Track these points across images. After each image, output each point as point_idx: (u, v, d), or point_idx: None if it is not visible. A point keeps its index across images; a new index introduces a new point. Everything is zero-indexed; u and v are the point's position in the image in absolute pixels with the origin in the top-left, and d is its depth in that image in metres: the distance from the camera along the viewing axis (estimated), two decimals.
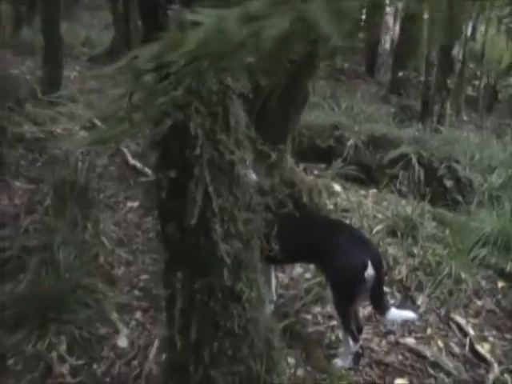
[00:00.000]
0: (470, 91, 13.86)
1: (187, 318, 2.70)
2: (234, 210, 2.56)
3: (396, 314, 4.06)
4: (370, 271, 3.82)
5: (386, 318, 4.06)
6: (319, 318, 4.56)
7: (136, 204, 5.92)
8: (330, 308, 4.47)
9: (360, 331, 4.09)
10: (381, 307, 4.03)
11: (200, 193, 2.40)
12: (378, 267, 3.89)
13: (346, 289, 3.91)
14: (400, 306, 4.55)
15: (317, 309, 4.63)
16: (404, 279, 5.06)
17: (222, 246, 2.51)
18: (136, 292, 4.60)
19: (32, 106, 7.73)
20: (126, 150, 6.82)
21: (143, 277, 4.78)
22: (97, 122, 7.32)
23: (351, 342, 3.96)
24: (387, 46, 15.07)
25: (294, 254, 4.03)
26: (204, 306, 2.67)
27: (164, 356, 3.49)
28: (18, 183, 6.05)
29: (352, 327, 3.96)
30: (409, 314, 4.18)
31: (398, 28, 14.80)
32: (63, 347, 3.84)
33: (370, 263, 3.82)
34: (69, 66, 10.23)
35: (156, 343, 3.94)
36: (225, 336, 2.74)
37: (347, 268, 3.86)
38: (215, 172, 2.48)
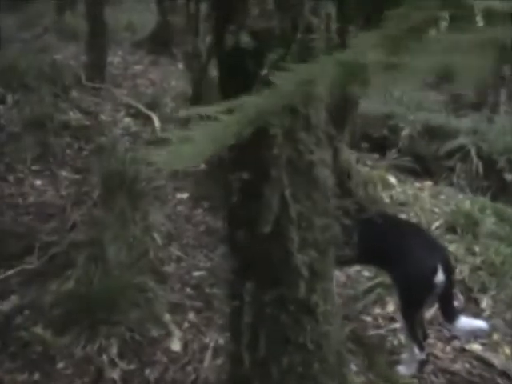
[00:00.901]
0: None
1: (255, 332, 2.48)
2: (311, 215, 2.32)
3: (465, 322, 3.75)
4: (440, 276, 3.55)
5: (454, 326, 3.77)
6: (380, 320, 4.31)
7: (185, 195, 5.72)
8: (390, 310, 4.26)
9: (425, 338, 3.84)
10: (449, 314, 3.75)
11: (276, 197, 2.16)
12: (448, 272, 3.63)
13: (414, 294, 3.64)
14: (465, 311, 4.28)
15: (377, 310, 4.38)
16: (466, 279, 4.77)
17: (298, 256, 2.27)
18: (188, 290, 4.37)
19: (77, 93, 7.60)
20: None
21: (195, 273, 4.56)
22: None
23: (416, 350, 3.70)
24: None
25: (357, 256, 3.77)
26: (274, 320, 2.44)
27: (221, 363, 3.30)
28: (64, 173, 5.90)
29: (418, 334, 3.70)
30: (479, 324, 3.86)
31: None
32: (114, 350, 3.63)
33: (440, 268, 3.57)
34: (112, 51, 10.10)
35: (211, 347, 3.73)
36: (295, 351, 2.51)
37: (416, 273, 3.60)
38: (293, 174, 2.24)
